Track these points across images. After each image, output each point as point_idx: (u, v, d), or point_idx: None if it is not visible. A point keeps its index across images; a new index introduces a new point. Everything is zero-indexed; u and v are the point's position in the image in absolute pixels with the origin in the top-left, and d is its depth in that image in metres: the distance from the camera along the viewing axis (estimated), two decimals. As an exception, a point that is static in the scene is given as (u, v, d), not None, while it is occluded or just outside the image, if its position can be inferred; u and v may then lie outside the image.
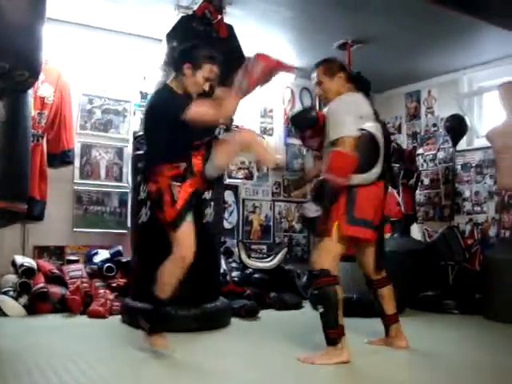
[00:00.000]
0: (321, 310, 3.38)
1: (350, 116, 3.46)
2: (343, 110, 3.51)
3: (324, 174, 3.43)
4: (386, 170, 3.61)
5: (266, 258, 6.20)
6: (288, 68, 3.52)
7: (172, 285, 3.37)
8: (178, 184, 3.32)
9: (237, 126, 6.18)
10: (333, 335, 3.30)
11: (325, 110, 3.76)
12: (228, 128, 4.58)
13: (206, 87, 3.42)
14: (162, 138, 3.36)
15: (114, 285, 5.04)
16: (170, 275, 3.37)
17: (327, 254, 3.42)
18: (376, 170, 3.47)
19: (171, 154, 3.35)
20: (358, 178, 3.41)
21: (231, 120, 4.62)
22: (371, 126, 3.48)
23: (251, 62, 3.30)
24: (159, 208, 3.39)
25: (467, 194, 6.62)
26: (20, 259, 4.95)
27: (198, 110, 3.27)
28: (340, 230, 3.39)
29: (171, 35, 4.42)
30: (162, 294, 3.37)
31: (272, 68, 3.32)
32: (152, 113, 3.44)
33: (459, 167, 6.67)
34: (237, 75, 3.33)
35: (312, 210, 3.48)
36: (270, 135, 7.07)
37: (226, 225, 6.47)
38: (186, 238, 3.35)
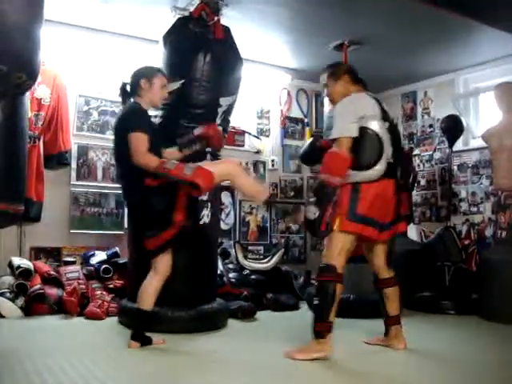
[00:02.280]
0: (316, 301, 3.45)
1: (349, 117, 3.51)
2: (341, 111, 3.59)
3: (319, 175, 3.51)
4: (395, 168, 3.62)
5: (263, 259, 6.20)
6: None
7: (154, 297, 3.60)
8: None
9: (234, 128, 6.20)
10: (320, 328, 3.38)
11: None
12: (225, 129, 4.58)
13: (165, 93, 3.77)
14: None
15: (111, 286, 5.04)
16: (152, 289, 3.59)
17: (334, 249, 3.47)
18: (379, 167, 3.49)
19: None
20: (360, 175, 3.47)
21: (227, 121, 4.62)
22: (374, 125, 3.53)
23: (189, 167, 3.37)
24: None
25: (464, 194, 6.63)
26: (17, 260, 4.95)
27: (138, 138, 3.42)
28: (340, 225, 3.44)
29: (167, 37, 4.42)
30: (147, 306, 3.59)
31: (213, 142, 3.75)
32: (121, 126, 3.60)
33: (455, 168, 6.68)
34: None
35: (312, 212, 3.52)
36: (267, 136, 7.08)
37: (223, 226, 6.47)
38: (164, 266, 3.60)
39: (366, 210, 3.44)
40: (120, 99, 3.81)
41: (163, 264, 3.58)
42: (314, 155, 3.88)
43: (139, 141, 3.41)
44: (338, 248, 3.45)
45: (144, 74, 3.70)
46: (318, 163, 4.07)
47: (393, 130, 3.69)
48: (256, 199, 3.86)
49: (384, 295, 3.77)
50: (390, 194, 3.57)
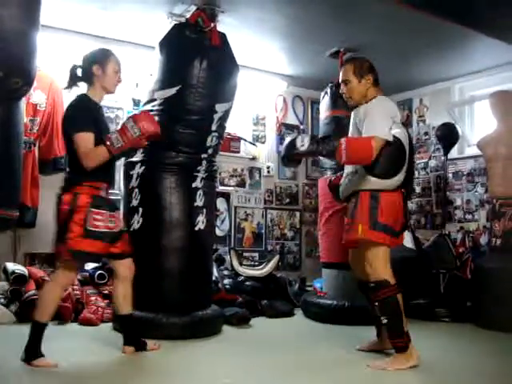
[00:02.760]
0: (385, 320, 3.43)
1: (387, 119, 3.44)
2: (381, 111, 3.48)
3: (343, 140, 3.37)
4: (407, 179, 3.58)
5: (258, 265, 6.20)
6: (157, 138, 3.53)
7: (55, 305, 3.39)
8: (98, 211, 3.29)
9: (229, 134, 6.22)
10: (401, 344, 3.38)
11: (353, 112, 3.73)
12: (221, 136, 4.59)
13: (119, 78, 3.56)
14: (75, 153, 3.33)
15: (106, 292, 5.02)
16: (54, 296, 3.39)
17: (378, 263, 3.44)
18: (399, 177, 3.46)
19: (92, 171, 3.31)
20: (380, 184, 3.43)
21: (223, 128, 4.63)
22: (400, 133, 3.49)
23: (129, 122, 3.30)
24: (62, 229, 3.28)
25: (458, 202, 6.65)
26: (11, 266, 4.93)
27: (83, 138, 3.27)
28: (363, 233, 3.41)
29: (164, 43, 4.43)
30: (45, 317, 3.32)
31: (148, 133, 3.34)
32: (64, 119, 3.48)
33: (450, 175, 6.70)
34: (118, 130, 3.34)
35: (300, 141, 3.54)
36: (263, 143, 7.08)
37: (218, 232, 6.46)
38: (68, 272, 3.40)
39: (387, 218, 3.41)
40: (68, 81, 3.60)
41: (66, 273, 3.40)
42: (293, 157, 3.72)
43: (82, 140, 3.26)
44: (382, 261, 3.44)
45: (96, 60, 3.49)
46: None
47: (410, 139, 3.65)
48: None
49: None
50: (401, 205, 3.54)
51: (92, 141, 3.29)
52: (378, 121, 3.42)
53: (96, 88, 3.50)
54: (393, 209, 3.45)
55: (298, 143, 3.56)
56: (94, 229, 3.24)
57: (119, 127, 3.35)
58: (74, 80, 3.56)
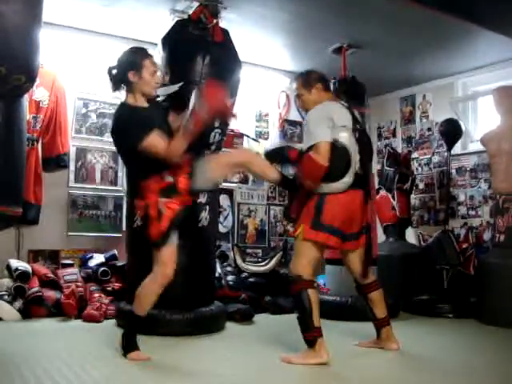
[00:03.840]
0: (297, 314, 3.48)
1: (324, 123, 3.51)
2: (317, 117, 3.57)
3: (297, 172, 3.56)
4: (363, 178, 3.63)
5: (261, 262, 6.19)
6: (231, 116, 3.53)
7: (152, 302, 3.38)
8: (166, 200, 3.29)
9: (232, 130, 6.21)
10: (309, 337, 3.39)
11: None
12: (224, 132, 4.58)
13: (157, 80, 3.48)
14: (138, 156, 3.28)
15: (109, 289, 5.03)
16: (150, 293, 3.37)
17: (301, 259, 3.52)
18: (346, 180, 3.51)
19: (154, 166, 3.30)
20: (327, 187, 3.50)
21: (227, 124, 4.63)
22: (344, 137, 3.52)
23: (199, 104, 3.21)
24: (145, 225, 3.34)
25: (462, 198, 6.64)
26: (15, 263, 4.94)
27: (152, 141, 3.20)
28: (304, 233, 3.48)
29: (166, 39, 4.42)
30: (141, 311, 3.38)
31: (218, 111, 3.29)
32: (118, 135, 3.42)
33: (454, 171, 6.68)
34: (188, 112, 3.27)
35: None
36: (266, 139, 7.07)
37: (221, 229, 6.46)
38: (169, 257, 3.35)
39: (330, 219, 3.47)
40: (112, 86, 3.47)
41: (168, 260, 3.34)
42: (278, 156, 3.80)
43: (154, 143, 3.21)
44: (305, 259, 3.50)
45: (131, 66, 3.37)
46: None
47: (363, 139, 3.69)
48: (271, 180, 3.74)
49: (369, 300, 3.81)
50: (357, 205, 3.59)
51: (160, 137, 3.25)
52: (314, 127, 3.53)
53: (135, 94, 3.41)
54: (340, 210, 3.51)
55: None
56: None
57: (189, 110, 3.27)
58: (115, 83, 3.45)
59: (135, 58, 3.42)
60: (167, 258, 3.34)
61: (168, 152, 3.22)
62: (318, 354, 3.35)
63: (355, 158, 3.56)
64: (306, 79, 3.79)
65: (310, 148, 3.49)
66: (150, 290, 3.36)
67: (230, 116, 3.54)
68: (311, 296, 3.40)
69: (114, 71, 3.43)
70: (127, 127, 3.30)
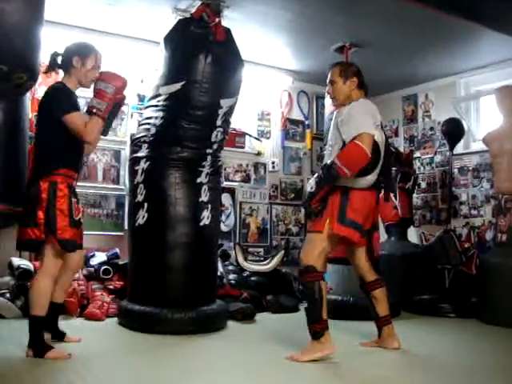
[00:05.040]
0: (306, 304, 3.53)
1: (369, 118, 3.54)
2: (363, 111, 3.59)
3: (335, 159, 3.49)
4: (380, 180, 3.69)
5: (263, 260, 6.20)
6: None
7: (47, 300, 3.34)
8: (75, 200, 3.40)
9: (234, 129, 6.21)
10: (316, 329, 3.41)
11: (335, 113, 3.82)
12: (225, 131, 4.58)
13: (95, 74, 3.51)
14: (56, 137, 3.36)
15: (111, 287, 5.04)
16: (41, 290, 3.34)
17: (313, 250, 3.54)
18: (371, 177, 3.58)
19: (67, 156, 3.39)
20: (352, 181, 3.54)
21: (228, 123, 4.62)
22: (377, 134, 3.57)
23: (99, 84, 3.42)
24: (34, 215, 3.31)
25: (464, 197, 6.63)
26: (17, 261, 4.95)
27: (76, 117, 3.31)
28: (331, 227, 3.50)
29: (168, 38, 4.42)
30: (40, 311, 3.30)
31: (121, 86, 3.47)
32: (41, 108, 3.45)
33: (456, 171, 6.68)
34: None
35: (310, 185, 3.64)
36: (268, 138, 7.07)
37: (223, 228, 6.46)
38: (54, 264, 3.38)
39: (356, 215, 3.51)
40: (47, 67, 3.57)
41: (54, 266, 3.38)
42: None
43: (76, 119, 3.31)
44: (319, 249, 3.53)
45: (78, 52, 3.50)
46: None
47: (386, 142, 3.76)
48: None
49: (372, 297, 3.82)
50: (373, 204, 3.66)
51: (84, 117, 3.37)
52: (361, 119, 3.53)
53: (72, 79, 3.49)
54: (363, 207, 3.56)
55: (308, 189, 3.69)
56: (76, 218, 3.36)
57: (93, 92, 3.44)
58: (53, 66, 3.56)
59: (86, 47, 3.59)
60: (53, 263, 3.39)
61: (85, 130, 3.30)
62: (325, 345, 3.37)
63: (382, 157, 3.64)
64: (346, 69, 3.79)
65: (353, 138, 3.48)
66: (39, 286, 3.37)
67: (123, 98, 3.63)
68: (322, 288, 3.45)
69: (59, 58, 3.53)
70: (59, 99, 3.39)
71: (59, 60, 3.53)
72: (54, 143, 3.36)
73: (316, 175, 3.67)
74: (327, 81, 3.85)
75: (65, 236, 3.27)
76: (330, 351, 3.37)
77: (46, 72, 3.57)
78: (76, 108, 3.39)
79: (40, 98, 3.61)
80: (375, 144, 3.53)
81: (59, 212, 3.26)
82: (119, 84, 3.44)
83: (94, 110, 3.34)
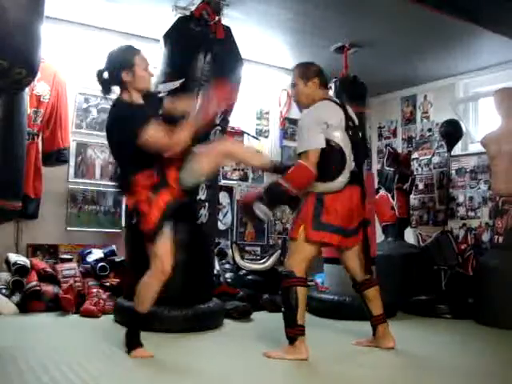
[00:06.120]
0: (282, 309, 3.52)
1: (316, 128, 3.50)
2: (309, 123, 3.57)
3: (281, 179, 3.48)
4: (359, 175, 3.69)
5: (260, 259, 6.20)
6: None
7: (152, 299, 3.37)
8: (155, 195, 3.28)
9: (232, 128, 6.20)
10: (290, 334, 3.42)
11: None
12: (224, 129, 4.58)
13: (150, 74, 3.43)
14: (130, 150, 3.24)
15: (107, 284, 5.03)
16: (150, 290, 3.35)
17: (294, 255, 3.55)
18: (341, 179, 3.55)
19: (142, 162, 3.27)
20: (323, 186, 3.53)
21: (227, 121, 4.62)
22: (338, 137, 3.54)
23: (209, 98, 3.34)
24: (138, 221, 3.32)
25: (461, 199, 6.64)
26: (13, 257, 4.95)
27: (153, 135, 3.15)
28: (306, 234, 3.50)
29: (168, 36, 4.42)
30: (142, 308, 3.37)
31: (224, 100, 3.39)
32: (113, 127, 3.36)
33: (454, 172, 6.68)
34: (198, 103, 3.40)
35: (263, 212, 3.51)
36: (266, 137, 7.07)
37: (220, 226, 6.46)
38: (165, 253, 3.31)
39: (330, 218, 3.50)
40: (102, 90, 3.46)
41: (164, 254, 3.28)
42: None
43: (154, 135, 3.15)
44: (300, 256, 3.53)
45: (123, 66, 3.32)
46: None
47: (356, 137, 3.70)
48: (258, 165, 3.72)
49: (365, 297, 3.82)
50: (355, 200, 3.63)
51: (158, 128, 3.21)
52: (307, 133, 3.52)
53: (130, 91, 3.36)
54: (341, 207, 3.54)
55: (261, 215, 3.53)
56: None
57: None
58: (106, 86, 3.43)
59: (126, 56, 3.38)
60: (163, 254, 3.30)
61: (171, 142, 3.21)
62: (298, 350, 3.38)
63: (350, 156, 3.60)
64: (305, 71, 3.77)
65: (299, 155, 3.52)
66: (148, 286, 3.34)
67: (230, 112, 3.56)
68: (299, 294, 3.43)
69: (106, 74, 3.38)
70: (125, 123, 3.25)
71: (106, 75, 3.39)
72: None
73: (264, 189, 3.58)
74: (290, 84, 3.90)
75: None
76: (301, 356, 3.37)
77: (104, 95, 3.48)
78: (143, 119, 3.21)
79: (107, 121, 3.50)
80: (338, 147, 3.51)
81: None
82: (223, 101, 3.39)
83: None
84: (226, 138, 3.58)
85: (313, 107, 3.63)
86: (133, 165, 3.31)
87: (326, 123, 3.51)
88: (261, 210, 3.49)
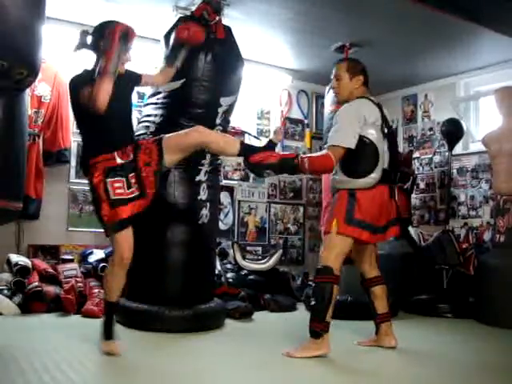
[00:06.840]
0: (313, 302, 3.53)
1: (355, 122, 3.57)
2: (349, 116, 3.61)
3: (306, 159, 3.53)
4: (390, 174, 3.73)
5: (261, 259, 6.19)
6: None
7: (118, 288, 3.42)
8: (115, 179, 3.26)
9: (233, 128, 6.20)
10: (317, 329, 3.44)
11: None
12: (225, 129, 4.58)
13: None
14: (89, 127, 3.30)
15: (109, 284, 5.03)
16: (114, 278, 3.39)
17: (330, 251, 3.56)
18: (374, 176, 3.60)
19: (101, 143, 3.29)
20: (356, 183, 3.59)
21: (227, 121, 4.62)
22: (373, 134, 3.61)
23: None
24: (95, 206, 3.36)
25: (462, 198, 6.63)
26: (15, 258, 4.95)
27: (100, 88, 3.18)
28: (338, 227, 3.54)
29: (169, 36, 4.42)
30: (111, 297, 3.41)
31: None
32: (71, 100, 3.43)
33: (455, 171, 6.68)
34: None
35: (268, 174, 3.63)
36: (267, 137, 7.04)
37: (222, 226, 6.47)
38: (124, 240, 3.32)
39: (362, 214, 3.54)
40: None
41: (123, 242, 3.33)
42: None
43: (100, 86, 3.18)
44: (336, 251, 3.54)
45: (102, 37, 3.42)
46: None
47: (390, 136, 3.78)
48: (228, 151, 3.58)
49: (372, 294, 3.86)
50: (385, 199, 3.67)
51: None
52: (342, 129, 3.58)
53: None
54: (371, 206, 3.58)
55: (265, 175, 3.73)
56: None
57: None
58: (82, 46, 3.56)
59: (102, 29, 3.48)
60: (123, 241, 3.32)
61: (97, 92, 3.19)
62: (321, 346, 3.42)
63: (383, 155, 3.65)
64: (353, 66, 3.82)
65: (329, 147, 3.58)
66: (112, 275, 3.40)
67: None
68: (335, 292, 3.48)
69: (89, 35, 3.51)
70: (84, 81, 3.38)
71: (89, 40, 3.52)
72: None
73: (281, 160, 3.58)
74: (332, 75, 3.88)
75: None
76: (324, 352, 3.42)
77: (75, 50, 3.60)
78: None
79: None
80: (370, 143, 3.58)
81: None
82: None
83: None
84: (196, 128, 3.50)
85: (353, 102, 3.68)
86: (92, 143, 3.35)
87: (365, 119, 3.57)
88: (268, 172, 3.59)
